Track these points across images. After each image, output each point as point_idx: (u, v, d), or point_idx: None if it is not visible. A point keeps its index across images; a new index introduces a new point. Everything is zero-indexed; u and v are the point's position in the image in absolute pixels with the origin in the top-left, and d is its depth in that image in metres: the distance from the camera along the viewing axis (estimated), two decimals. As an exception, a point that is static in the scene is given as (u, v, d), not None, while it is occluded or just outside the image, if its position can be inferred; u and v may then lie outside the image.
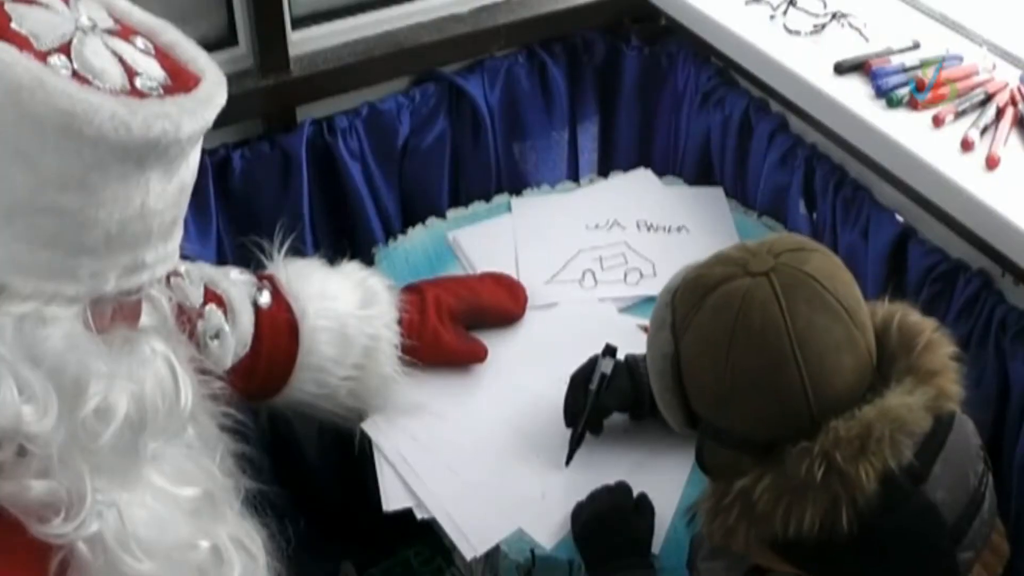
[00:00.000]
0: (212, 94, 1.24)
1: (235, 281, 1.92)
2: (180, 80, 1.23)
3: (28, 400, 1.16)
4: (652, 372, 1.62)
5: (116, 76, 1.17)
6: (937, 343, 1.55)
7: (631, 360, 2.01)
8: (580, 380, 2.01)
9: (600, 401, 1.99)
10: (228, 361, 1.82)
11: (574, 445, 2.02)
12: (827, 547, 1.44)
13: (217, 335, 1.80)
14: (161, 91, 1.19)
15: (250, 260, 2.06)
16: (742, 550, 1.52)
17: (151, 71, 1.21)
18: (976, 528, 1.54)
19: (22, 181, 1.13)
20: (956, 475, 1.52)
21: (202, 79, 1.25)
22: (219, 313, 1.82)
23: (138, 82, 1.18)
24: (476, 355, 2.19)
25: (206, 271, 1.89)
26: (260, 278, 1.98)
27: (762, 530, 1.47)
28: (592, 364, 2.01)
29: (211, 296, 1.83)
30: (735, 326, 1.47)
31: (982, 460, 1.59)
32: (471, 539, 1.91)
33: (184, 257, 1.68)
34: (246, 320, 1.88)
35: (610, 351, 2.01)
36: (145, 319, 1.37)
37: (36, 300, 1.17)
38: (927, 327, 1.57)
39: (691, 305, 1.54)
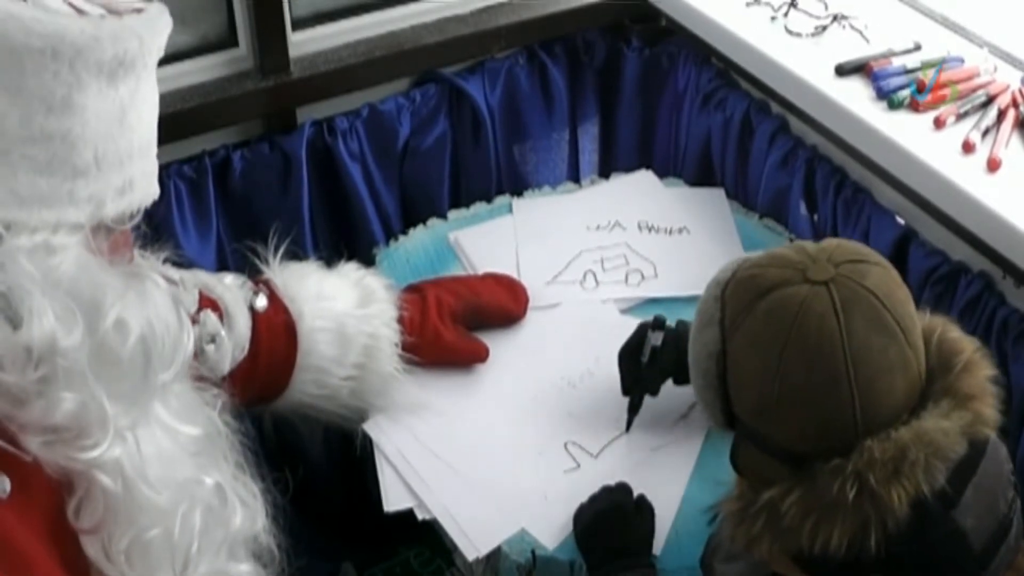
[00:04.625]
0: (159, 13, 1.33)
1: (230, 286, 1.92)
2: (122, 11, 1.30)
3: (57, 319, 1.22)
4: (694, 367, 1.59)
5: (69, 11, 1.24)
6: (976, 364, 1.52)
7: (682, 329, 1.97)
8: (631, 351, 2.02)
9: (653, 373, 2.01)
10: (226, 365, 1.82)
11: (632, 412, 2.05)
12: (852, 567, 1.42)
13: (213, 339, 1.80)
14: (107, 15, 1.27)
15: (248, 264, 2.05)
16: (764, 559, 1.51)
17: (95, 9, 1.27)
18: (1003, 554, 1.51)
19: (10, 113, 1.20)
20: (987, 501, 1.49)
21: (144, 8, 1.33)
22: (214, 317, 1.82)
23: (87, 16, 1.25)
24: (477, 354, 2.18)
25: (200, 277, 1.89)
26: (256, 283, 1.98)
27: (787, 544, 1.45)
28: (640, 335, 2.02)
29: (206, 301, 1.84)
30: (789, 335, 1.44)
31: (1012, 486, 1.56)
32: (473, 539, 1.90)
33: (179, 264, 1.72)
34: (242, 324, 1.88)
35: (659, 324, 2.01)
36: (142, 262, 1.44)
37: (43, 231, 1.24)
38: (967, 347, 1.54)
39: (744, 305, 1.51)
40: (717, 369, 1.55)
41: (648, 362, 2.00)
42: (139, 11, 1.30)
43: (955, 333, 1.57)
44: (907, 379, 1.45)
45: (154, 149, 1.37)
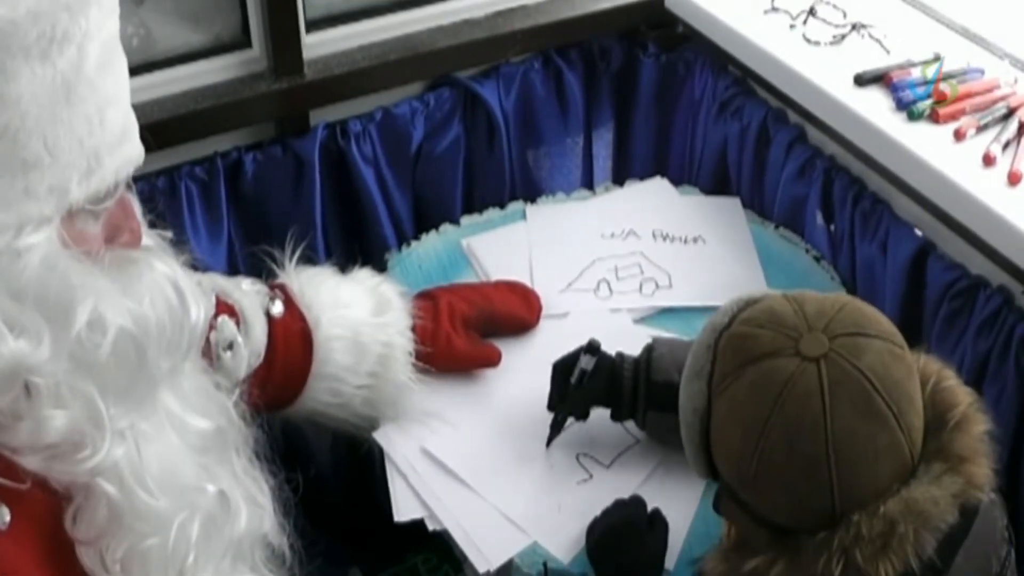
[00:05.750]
0: None
1: (247, 291, 1.90)
2: None
3: (20, 335, 1.16)
4: (681, 418, 1.57)
5: None
6: (971, 420, 1.49)
7: (617, 360, 1.97)
8: (562, 370, 1.99)
9: (577, 396, 1.98)
10: (242, 372, 1.80)
11: (554, 431, 2.02)
12: None
13: (230, 346, 1.78)
14: None
15: (261, 268, 2.04)
16: None
17: None
18: None
19: None
20: (978, 564, 1.47)
21: None
22: (231, 324, 1.80)
23: None
24: (489, 359, 2.16)
25: (217, 282, 1.87)
26: (272, 287, 1.96)
27: None
28: (576, 355, 1.99)
29: (223, 307, 1.81)
30: (771, 413, 1.41)
31: (1007, 541, 1.54)
32: (484, 552, 1.88)
33: (194, 268, 1.69)
34: (259, 330, 1.86)
35: (592, 348, 1.98)
36: (147, 241, 1.36)
37: (4, 235, 1.16)
38: (962, 399, 1.51)
39: (731, 368, 1.48)
40: (700, 426, 1.53)
41: (576, 384, 1.97)
42: None
43: (951, 382, 1.53)
44: (896, 463, 1.42)
45: (122, 114, 1.25)
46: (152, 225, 1.42)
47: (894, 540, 1.38)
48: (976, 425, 1.49)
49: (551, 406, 2.01)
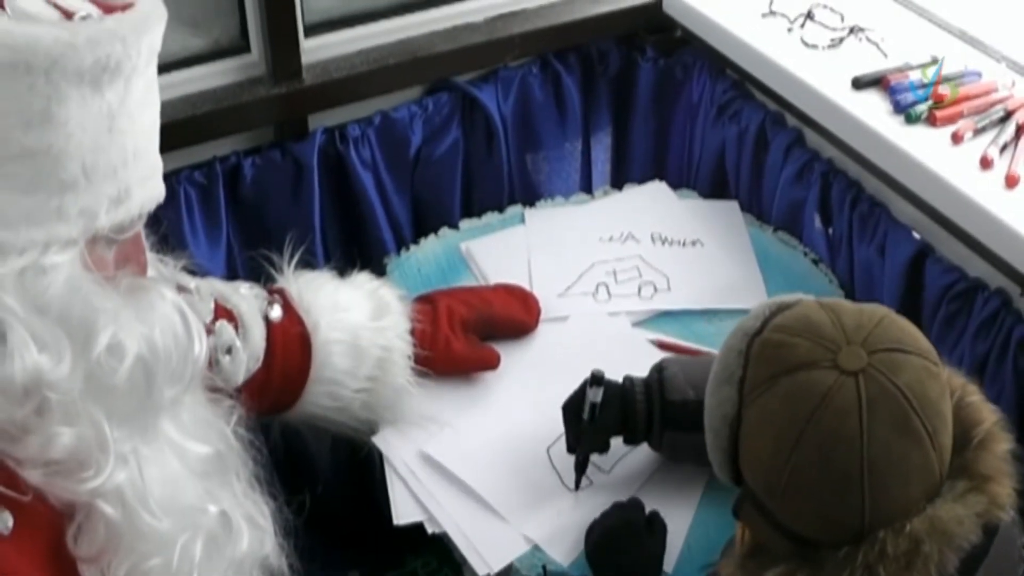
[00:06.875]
0: (150, 11, 1.25)
1: (245, 296, 1.90)
2: (114, 8, 1.24)
3: (43, 349, 1.19)
4: (707, 424, 1.53)
5: (52, 15, 1.19)
6: (995, 438, 1.47)
7: (627, 385, 1.94)
8: (572, 409, 1.95)
9: (593, 431, 1.93)
10: (240, 377, 1.80)
11: (579, 471, 1.98)
12: None
13: (229, 351, 1.79)
14: (99, 17, 1.21)
15: (260, 272, 2.04)
16: None
17: (84, 7, 1.22)
18: None
19: None
20: None
21: (134, 4, 1.25)
22: (230, 328, 1.80)
23: (75, 18, 1.20)
24: (488, 362, 2.16)
25: (216, 286, 1.88)
26: (270, 291, 1.97)
27: None
28: (582, 391, 1.94)
29: (221, 311, 1.82)
30: (806, 427, 1.38)
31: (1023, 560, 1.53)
32: (484, 555, 1.88)
33: (193, 272, 1.70)
34: (258, 335, 1.86)
35: (596, 380, 1.92)
36: (152, 272, 1.40)
37: (32, 251, 1.20)
38: (987, 417, 1.49)
39: (765, 377, 1.44)
40: (729, 433, 1.50)
41: (588, 419, 1.92)
42: (130, 6, 1.23)
43: (975, 398, 1.51)
44: (925, 483, 1.40)
45: (153, 151, 1.31)
46: (155, 249, 1.45)
47: (918, 559, 1.36)
48: (1000, 444, 1.47)
49: (570, 448, 1.96)
